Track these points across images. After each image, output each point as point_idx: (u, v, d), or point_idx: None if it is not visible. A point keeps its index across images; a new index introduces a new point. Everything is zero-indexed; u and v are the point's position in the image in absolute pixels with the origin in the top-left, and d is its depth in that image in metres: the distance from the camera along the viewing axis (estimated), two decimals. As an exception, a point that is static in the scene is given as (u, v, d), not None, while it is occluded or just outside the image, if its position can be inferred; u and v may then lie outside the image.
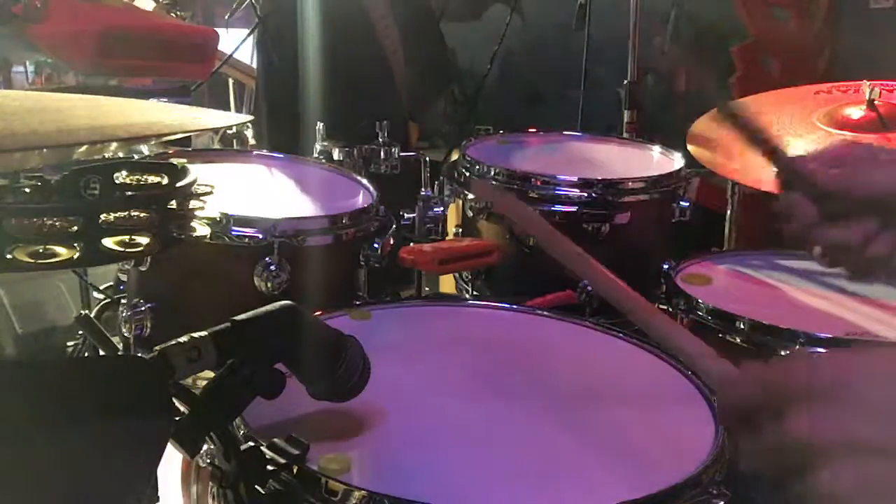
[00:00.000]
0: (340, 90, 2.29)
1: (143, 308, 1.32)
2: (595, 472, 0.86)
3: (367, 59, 2.47)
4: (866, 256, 0.88)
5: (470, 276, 1.64)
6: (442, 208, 1.65)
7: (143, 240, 0.70)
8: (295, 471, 0.78)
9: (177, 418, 0.71)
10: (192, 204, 0.77)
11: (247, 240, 1.28)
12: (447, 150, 2.29)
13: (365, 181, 1.57)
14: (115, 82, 2.62)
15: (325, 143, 1.71)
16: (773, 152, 0.99)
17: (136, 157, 1.02)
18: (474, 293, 1.63)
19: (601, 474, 0.85)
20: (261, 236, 1.28)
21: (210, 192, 0.79)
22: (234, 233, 1.28)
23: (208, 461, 0.78)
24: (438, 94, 2.88)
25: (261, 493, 0.76)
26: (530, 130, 2.01)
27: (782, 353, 1.16)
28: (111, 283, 1.82)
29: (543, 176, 1.56)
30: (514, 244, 1.57)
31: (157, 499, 0.73)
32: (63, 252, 0.67)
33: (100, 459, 0.62)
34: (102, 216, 0.68)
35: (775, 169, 0.97)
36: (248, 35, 2.97)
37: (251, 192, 1.51)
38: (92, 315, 1.28)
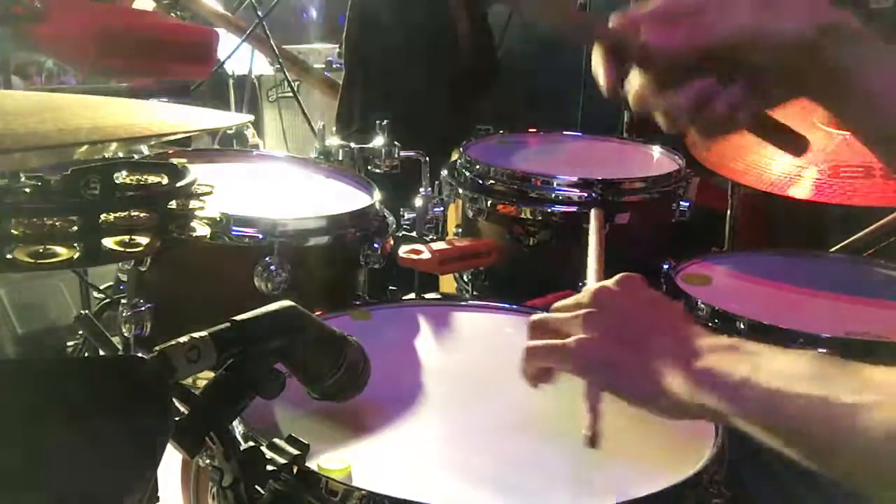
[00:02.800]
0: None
1: (143, 308, 1.32)
2: (595, 471, 0.86)
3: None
4: (706, 118, 0.80)
5: (470, 276, 1.64)
6: (442, 208, 1.65)
7: (143, 240, 0.70)
8: (295, 471, 0.79)
9: (177, 418, 0.71)
10: (192, 204, 0.77)
11: (247, 240, 1.28)
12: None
13: (365, 181, 1.57)
14: (115, 82, 2.62)
15: (326, 143, 1.71)
16: (589, 30, 0.84)
17: (136, 157, 1.02)
18: (474, 293, 1.63)
19: (601, 474, 0.85)
20: (261, 236, 1.28)
21: (210, 192, 0.79)
22: (234, 233, 1.28)
23: (208, 461, 0.78)
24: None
25: (261, 493, 0.76)
26: (530, 130, 2.01)
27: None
28: (111, 283, 1.82)
29: (543, 176, 1.56)
30: (514, 244, 1.57)
31: (157, 499, 0.73)
32: (63, 252, 0.66)
33: (100, 459, 0.62)
34: (102, 216, 0.68)
35: (601, 46, 0.83)
36: (247, 36, 2.97)
37: (251, 192, 1.51)
38: (92, 315, 1.28)
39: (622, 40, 0.80)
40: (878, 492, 0.67)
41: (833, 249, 1.75)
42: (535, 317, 0.90)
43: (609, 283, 0.89)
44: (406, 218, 1.63)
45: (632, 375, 0.80)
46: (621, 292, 0.87)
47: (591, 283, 0.98)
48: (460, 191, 1.64)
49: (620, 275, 0.89)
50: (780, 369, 0.73)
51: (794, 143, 0.90)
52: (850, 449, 0.66)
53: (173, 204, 0.74)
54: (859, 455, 0.66)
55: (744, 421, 0.73)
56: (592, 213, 1.15)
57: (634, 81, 0.82)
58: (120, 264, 1.47)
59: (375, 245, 1.39)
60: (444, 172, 1.71)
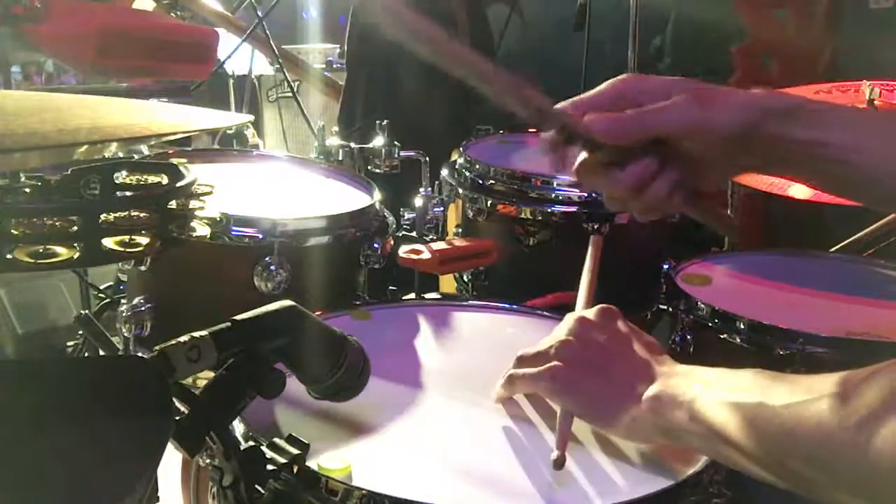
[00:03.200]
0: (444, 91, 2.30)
1: (143, 308, 1.32)
2: (595, 471, 0.86)
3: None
4: (646, 198, 0.86)
5: (470, 276, 1.64)
6: (442, 208, 1.65)
7: (143, 240, 0.70)
8: (295, 470, 0.79)
9: (177, 418, 0.71)
10: (192, 204, 0.77)
11: (247, 240, 1.28)
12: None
13: (365, 181, 1.57)
14: (115, 82, 2.62)
15: (326, 143, 1.71)
16: (541, 115, 0.87)
17: (136, 157, 1.02)
18: (474, 293, 1.63)
19: (602, 474, 0.85)
20: (261, 236, 1.28)
21: (210, 192, 0.79)
22: (234, 233, 1.28)
23: (208, 461, 0.78)
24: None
25: (261, 492, 0.76)
26: (530, 130, 2.01)
27: (782, 353, 1.17)
28: (111, 283, 1.82)
29: (543, 176, 1.56)
30: (514, 244, 1.57)
31: (157, 499, 0.73)
32: (63, 252, 0.67)
33: (100, 459, 0.62)
34: (102, 216, 0.68)
35: (550, 130, 0.88)
36: (247, 36, 2.97)
37: (251, 192, 1.51)
38: (92, 315, 1.28)
39: (570, 125, 0.86)
40: (827, 493, 0.70)
41: (833, 249, 1.75)
42: (522, 352, 0.96)
43: (588, 313, 0.97)
44: (406, 218, 1.63)
45: (594, 402, 0.87)
46: (597, 323, 0.94)
47: (579, 309, 1.04)
48: (460, 191, 1.64)
49: (599, 306, 0.97)
50: (726, 385, 0.79)
51: (727, 228, 0.99)
52: (799, 450, 0.70)
53: (173, 204, 0.74)
54: (808, 455, 0.69)
55: (698, 438, 0.79)
56: (591, 239, 1.18)
57: (581, 161, 0.89)
58: (120, 264, 1.47)
59: (375, 245, 1.39)
60: (444, 172, 1.71)
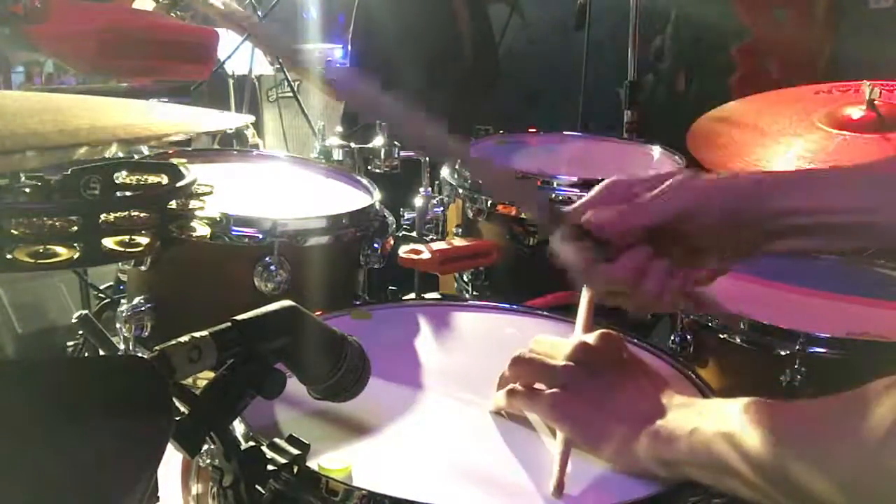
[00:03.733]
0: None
1: (143, 308, 1.32)
2: (596, 472, 0.86)
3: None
4: (641, 292, 0.88)
5: (470, 276, 1.64)
6: (442, 208, 1.65)
7: (143, 240, 0.70)
8: (295, 471, 0.79)
9: (177, 418, 0.71)
10: (192, 204, 0.77)
11: (247, 240, 1.28)
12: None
13: (365, 181, 1.57)
14: (115, 82, 2.62)
15: (326, 143, 1.72)
16: (553, 217, 0.95)
17: (136, 157, 1.02)
18: (474, 293, 1.63)
19: (603, 473, 0.85)
20: (261, 236, 1.28)
21: (210, 192, 0.79)
22: (234, 233, 1.28)
23: (208, 461, 0.78)
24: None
25: (261, 493, 0.76)
26: (530, 130, 2.01)
27: (782, 353, 1.17)
28: (111, 283, 1.82)
29: (543, 176, 1.56)
30: (514, 244, 1.57)
31: (157, 499, 0.73)
32: (63, 252, 0.66)
33: (100, 459, 0.61)
34: (102, 216, 0.68)
35: (550, 228, 0.95)
36: (247, 36, 2.97)
37: (251, 192, 1.51)
38: (92, 315, 1.28)
39: (564, 219, 0.92)
40: None
41: (833, 249, 1.75)
42: (519, 353, 0.96)
43: (589, 338, 0.96)
44: (406, 218, 1.63)
45: (594, 431, 0.87)
46: (599, 349, 0.94)
47: (578, 332, 1.04)
48: (460, 191, 1.64)
49: (601, 332, 0.97)
50: (725, 415, 0.79)
51: (724, 318, 1.03)
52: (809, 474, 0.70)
53: (173, 204, 0.74)
54: (805, 481, 0.70)
55: (699, 470, 0.80)
56: None
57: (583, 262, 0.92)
58: (120, 264, 1.47)
59: (375, 245, 1.39)
60: (445, 172, 1.71)
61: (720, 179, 0.91)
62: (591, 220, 0.90)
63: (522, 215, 1.56)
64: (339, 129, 1.81)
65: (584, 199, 0.94)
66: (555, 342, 0.98)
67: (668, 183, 0.90)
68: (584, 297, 1.10)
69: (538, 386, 0.93)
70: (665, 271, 0.88)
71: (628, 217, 0.89)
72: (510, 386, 0.94)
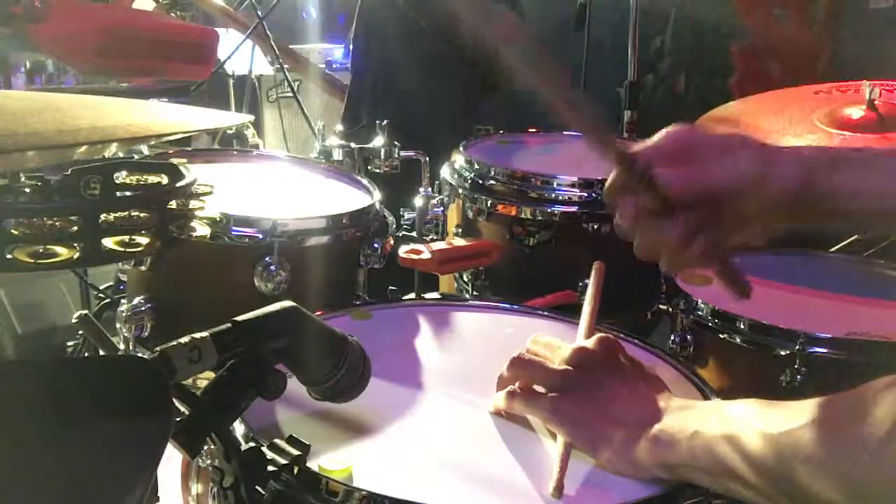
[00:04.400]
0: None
1: (143, 308, 1.32)
2: (596, 473, 0.86)
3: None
4: (684, 253, 0.87)
5: (470, 276, 1.64)
6: (442, 208, 1.65)
7: (143, 240, 0.70)
8: (296, 471, 0.78)
9: (177, 419, 0.71)
10: (192, 204, 0.77)
11: (247, 240, 1.28)
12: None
13: (365, 181, 1.57)
14: (115, 82, 2.62)
15: (326, 143, 1.71)
16: (618, 155, 0.90)
17: (136, 157, 1.02)
18: (474, 293, 1.63)
19: (603, 475, 0.85)
20: (261, 236, 1.28)
21: (210, 192, 0.79)
22: (234, 233, 1.28)
23: (208, 461, 0.78)
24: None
25: (261, 493, 0.76)
26: (530, 130, 2.01)
27: (782, 353, 1.17)
28: (111, 283, 1.82)
29: (543, 176, 1.56)
30: (514, 244, 1.57)
31: (157, 499, 0.73)
32: (63, 252, 0.67)
33: (100, 459, 0.61)
34: (102, 216, 0.68)
35: (618, 169, 0.91)
36: (247, 36, 2.97)
37: (251, 192, 1.51)
38: (92, 315, 1.28)
39: (631, 165, 0.88)
40: None
41: (833, 249, 1.75)
42: (518, 354, 0.96)
43: (589, 343, 0.95)
44: (406, 218, 1.63)
45: (593, 437, 0.87)
46: (598, 354, 0.93)
47: (581, 336, 1.03)
48: (460, 191, 1.64)
49: (598, 336, 0.96)
50: (724, 417, 0.80)
51: (739, 287, 0.98)
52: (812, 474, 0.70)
53: (173, 204, 0.74)
54: (808, 481, 0.70)
55: (700, 473, 0.80)
56: (594, 267, 1.19)
57: (636, 209, 0.89)
58: (120, 264, 1.47)
59: (375, 245, 1.39)
60: (445, 172, 1.71)
61: (787, 150, 0.89)
62: (665, 176, 0.86)
63: (522, 215, 1.56)
64: (340, 128, 1.81)
65: (646, 146, 0.90)
66: (552, 342, 0.98)
67: (744, 152, 0.87)
68: (588, 301, 1.10)
69: (537, 388, 0.93)
70: (714, 238, 0.87)
71: (703, 180, 0.86)
72: (509, 388, 0.94)
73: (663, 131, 0.91)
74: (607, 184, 0.92)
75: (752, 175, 0.86)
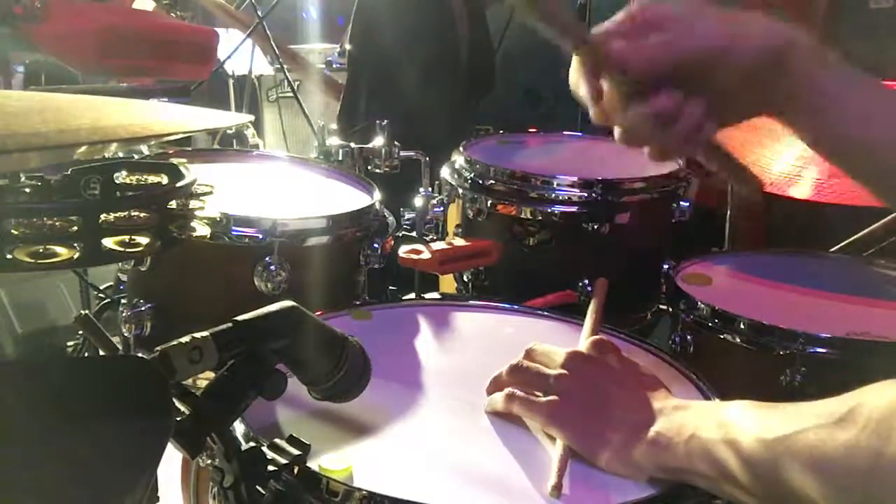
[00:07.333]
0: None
1: (143, 308, 1.32)
2: (596, 473, 0.86)
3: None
4: (670, 132, 0.83)
5: (470, 276, 1.64)
6: (442, 208, 1.65)
7: (143, 240, 0.70)
8: (296, 471, 0.78)
9: (177, 419, 0.71)
10: (192, 204, 0.77)
11: (247, 240, 1.28)
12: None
13: (365, 181, 1.57)
14: (115, 82, 2.62)
15: (326, 143, 1.71)
16: (575, 37, 0.84)
17: (136, 157, 1.02)
18: (474, 293, 1.63)
19: (602, 475, 0.85)
20: (261, 236, 1.28)
21: (210, 192, 0.79)
22: (234, 233, 1.28)
23: (209, 461, 0.78)
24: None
25: (261, 493, 0.76)
26: (530, 130, 2.01)
27: (782, 353, 1.17)
28: (111, 283, 1.82)
29: (543, 176, 1.56)
30: (514, 244, 1.57)
31: (157, 499, 0.73)
32: (63, 252, 0.66)
33: (100, 460, 0.61)
34: (102, 216, 0.68)
35: (579, 57, 0.86)
36: (247, 35, 2.97)
37: (251, 192, 1.51)
38: (92, 315, 1.28)
39: (596, 50, 0.83)
40: None
41: (833, 249, 1.75)
42: (516, 362, 0.96)
43: (584, 347, 0.96)
44: (406, 218, 1.63)
45: (592, 439, 0.87)
46: (592, 358, 0.94)
47: (583, 342, 1.03)
48: (460, 191, 1.64)
49: (592, 339, 0.97)
50: (722, 419, 0.79)
51: (746, 179, 0.94)
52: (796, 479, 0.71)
53: (173, 204, 0.74)
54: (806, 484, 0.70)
55: (697, 477, 0.80)
56: (597, 282, 1.19)
57: (605, 96, 0.85)
58: (120, 264, 1.47)
59: (375, 245, 1.39)
60: (445, 172, 1.71)
61: (760, 20, 0.84)
62: (623, 53, 0.81)
63: (522, 215, 1.56)
64: (334, 126, 1.80)
65: (606, 26, 0.85)
66: (549, 350, 0.97)
67: (706, 20, 0.82)
68: (590, 315, 1.10)
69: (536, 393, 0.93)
70: (699, 114, 0.82)
71: (665, 52, 0.81)
72: (508, 390, 0.94)
73: (623, 12, 0.86)
74: (570, 71, 0.87)
75: (718, 41, 0.81)
